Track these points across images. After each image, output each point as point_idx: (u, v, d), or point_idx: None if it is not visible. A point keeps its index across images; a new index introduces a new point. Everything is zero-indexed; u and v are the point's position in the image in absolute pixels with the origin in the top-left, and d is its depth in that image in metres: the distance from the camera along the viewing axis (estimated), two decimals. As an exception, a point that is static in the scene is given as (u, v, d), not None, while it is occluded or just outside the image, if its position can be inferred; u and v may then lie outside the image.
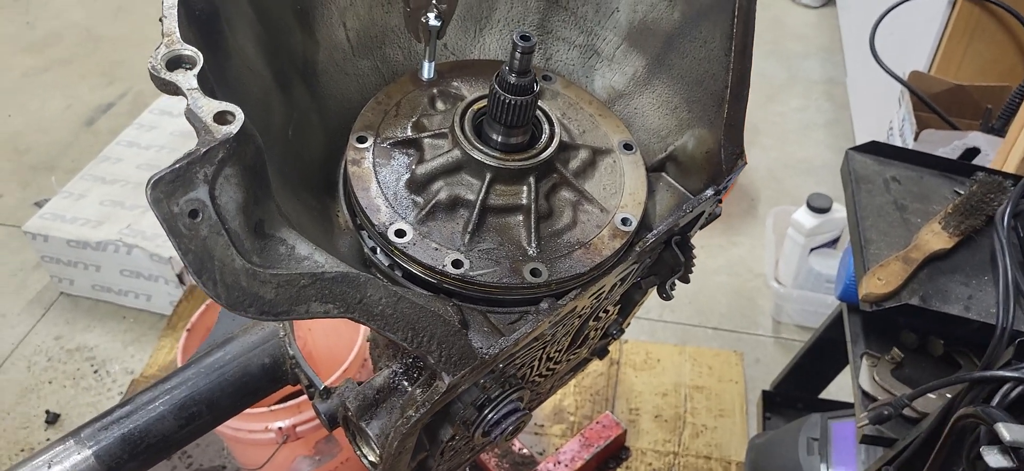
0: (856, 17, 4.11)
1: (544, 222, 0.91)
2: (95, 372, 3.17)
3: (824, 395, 2.49)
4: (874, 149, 1.78)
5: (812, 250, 2.81)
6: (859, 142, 1.83)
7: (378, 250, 0.90)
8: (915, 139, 2.35)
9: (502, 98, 0.86)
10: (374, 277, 0.71)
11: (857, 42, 3.86)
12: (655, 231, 0.98)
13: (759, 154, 3.75)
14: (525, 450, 2.46)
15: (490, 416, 0.95)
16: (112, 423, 1.08)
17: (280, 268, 0.65)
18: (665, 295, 1.12)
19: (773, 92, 4.22)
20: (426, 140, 0.93)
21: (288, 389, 2.59)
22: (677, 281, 1.11)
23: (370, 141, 0.93)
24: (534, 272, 0.87)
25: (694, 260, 1.08)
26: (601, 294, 0.99)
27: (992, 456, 0.99)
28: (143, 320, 3.30)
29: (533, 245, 0.89)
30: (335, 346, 2.61)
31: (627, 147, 1.02)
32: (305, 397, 2.34)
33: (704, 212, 1.05)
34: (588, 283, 0.91)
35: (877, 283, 1.44)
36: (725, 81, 0.97)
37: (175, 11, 0.68)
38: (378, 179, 0.90)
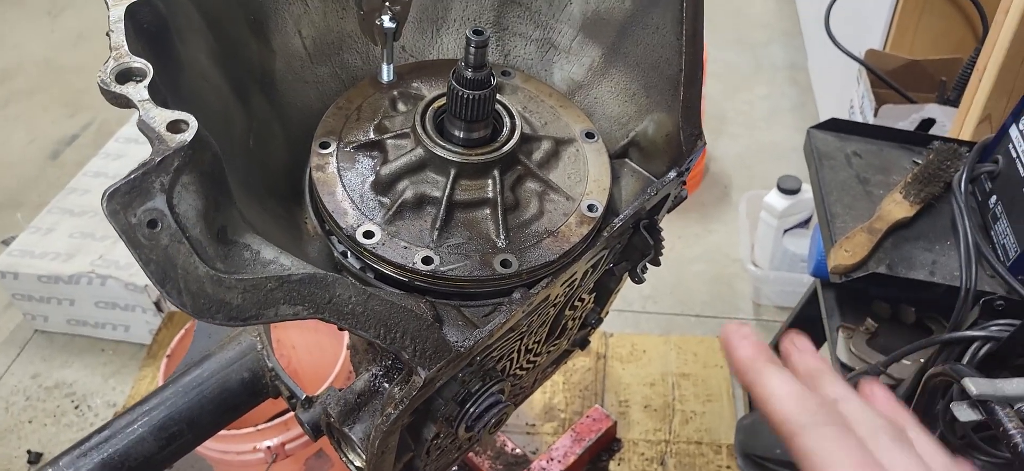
0: (813, 1, 4.17)
1: (511, 214, 0.92)
2: (76, 408, 3.13)
3: (805, 372, 2.52)
4: (834, 126, 1.81)
5: (785, 231, 2.85)
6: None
7: (348, 254, 0.90)
8: (875, 115, 2.39)
9: (460, 94, 0.86)
10: (342, 277, 0.71)
11: (815, 26, 3.91)
12: (622, 215, 0.99)
13: (728, 142, 3.79)
14: (518, 450, 2.46)
15: (471, 410, 0.96)
16: (91, 449, 1.08)
17: (246, 273, 0.66)
18: (637, 279, 1.13)
19: (739, 81, 4.27)
20: (389, 141, 0.94)
21: (274, 408, 2.57)
22: (648, 264, 1.12)
23: (333, 146, 0.94)
24: (504, 263, 0.88)
25: (663, 243, 1.09)
26: (573, 281, 1.00)
27: (961, 411, 1.01)
28: (122, 351, 3.27)
29: (502, 237, 0.90)
30: (319, 362, 2.60)
31: (589, 136, 1.03)
32: (291, 415, 2.34)
33: (669, 194, 1.06)
34: (559, 270, 0.92)
35: (845, 255, 1.46)
36: (679, 65, 0.99)
37: (121, 25, 0.68)
38: (343, 183, 0.91)
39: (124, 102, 0.64)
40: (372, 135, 0.95)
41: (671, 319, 2.97)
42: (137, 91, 0.64)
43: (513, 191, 0.93)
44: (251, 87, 0.92)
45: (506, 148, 0.92)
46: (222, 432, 1.85)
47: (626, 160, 1.08)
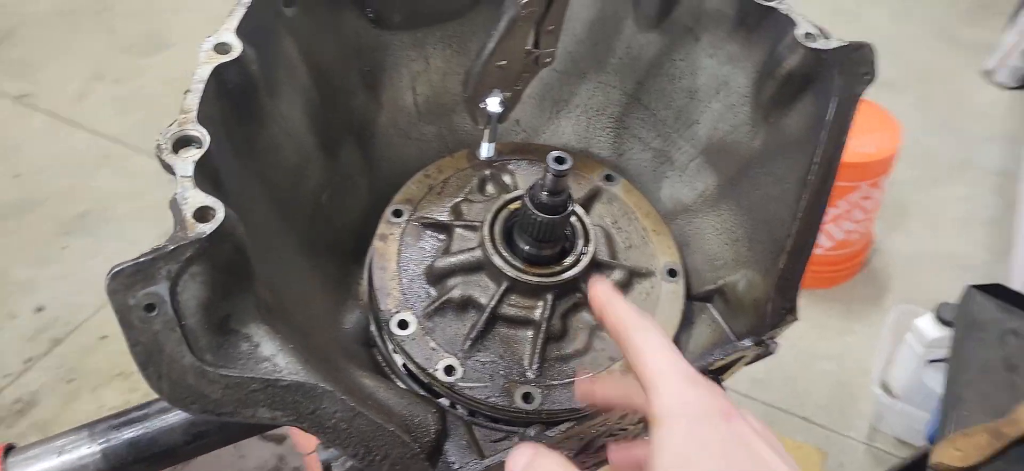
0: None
1: (552, 343, 0.87)
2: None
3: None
4: (998, 292, 1.59)
5: (930, 362, 2.57)
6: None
7: (383, 334, 0.89)
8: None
9: (531, 214, 0.82)
10: (331, 391, 0.69)
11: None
12: (679, 372, 0.91)
13: (902, 240, 3.46)
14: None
15: None
16: (124, 425, 1.13)
17: (232, 369, 0.65)
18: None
19: (936, 173, 3.87)
20: (458, 229, 0.92)
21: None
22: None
23: (405, 216, 0.93)
24: (526, 397, 0.84)
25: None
26: (607, 423, 0.94)
27: None
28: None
29: (533, 367, 0.86)
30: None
31: (672, 273, 0.96)
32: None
33: (743, 357, 0.97)
34: (583, 420, 0.86)
35: (954, 453, 1.30)
36: (789, 230, 0.89)
37: (202, 86, 0.69)
38: (399, 260, 0.90)
39: (170, 171, 0.65)
40: (446, 216, 0.93)
41: (775, 413, 2.76)
42: (184, 166, 0.64)
43: (563, 319, 0.88)
44: (344, 139, 0.93)
45: (565, 276, 0.87)
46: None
47: (708, 306, 1.00)
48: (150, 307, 0.60)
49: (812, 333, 3.02)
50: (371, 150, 0.98)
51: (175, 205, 0.63)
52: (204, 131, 0.67)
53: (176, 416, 1.10)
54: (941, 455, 1.30)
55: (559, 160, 0.79)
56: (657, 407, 0.62)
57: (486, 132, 0.97)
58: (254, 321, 0.68)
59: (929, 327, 2.53)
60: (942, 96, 4.33)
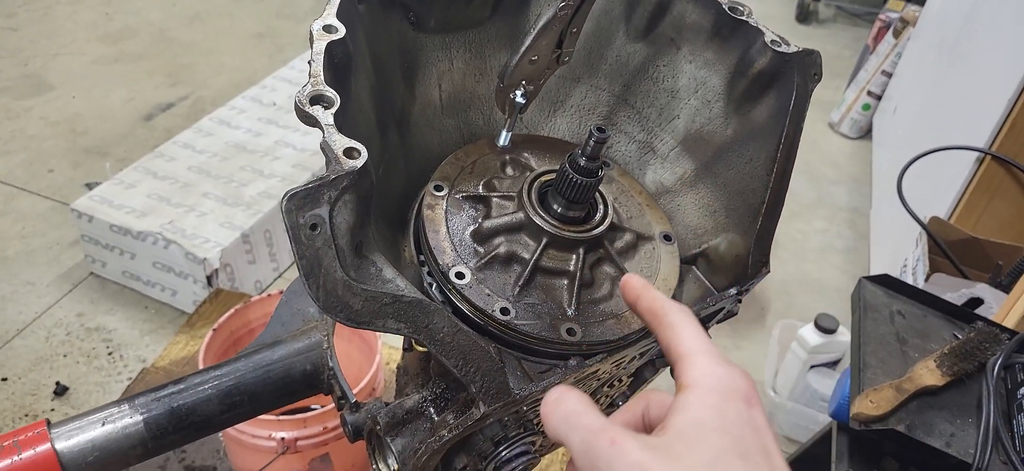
0: (888, 155, 4.26)
1: (585, 290, 1.03)
2: (109, 354, 3.27)
3: (806, 510, 2.55)
4: (885, 282, 1.89)
5: (812, 367, 2.90)
6: (873, 273, 1.95)
7: (434, 286, 1.01)
8: (926, 280, 2.46)
9: (570, 176, 0.98)
10: (441, 308, 0.82)
11: (886, 178, 3.99)
12: (679, 317, 1.09)
13: (776, 266, 3.85)
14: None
15: (504, 453, 1.05)
16: (165, 396, 1.18)
17: (369, 285, 0.77)
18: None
19: (800, 210, 4.35)
20: (495, 199, 1.06)
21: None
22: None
23: (445, 190, 1.06)
24: (570, 331, 0.98)
25: (710, 350, 1.18)
26: (621, 363, 1.10)
27: None
28: (164, 313, 3.42)
29: (572, 308, 1.00)
30: (346, 372, 2.70)
31: (667, 238, 1.14)
32: (309, 414, 2.45)
33: (724, 308, 1.16)
34: (614, 350, 1.02)
35: (869, 405, 1.54)
36: (763, 198, 1.09)
37: (322, 58, 0.81)
38: (448, 225, 1.02)
39: (312, 121, 0.76)
40: (481, 190, 1.07)
41: (687, 422, 3.01)
42: (325, 116, 0.76)
43: (591, 270, 1.04)
44: (390, 124, 1.05)
45: (595, 232, 1.03)
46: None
47: (693, 268, 1.18)
48: (314, 226, 0.71)
49: (708, 352, 3.30)
50: (407, 136, 1.11)
51: (326, 146, 0.74)
52: (334, 92, 0.79)
53: (212, 388, 1.16)
54: (859, 407, 1.54)
55: (600, 130, 0.95)
56: (691, 376, 0.69)
57: (507, 122, 1.13)
58: (376, 251, 0.80)
59: (811, 335, 2.86)
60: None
